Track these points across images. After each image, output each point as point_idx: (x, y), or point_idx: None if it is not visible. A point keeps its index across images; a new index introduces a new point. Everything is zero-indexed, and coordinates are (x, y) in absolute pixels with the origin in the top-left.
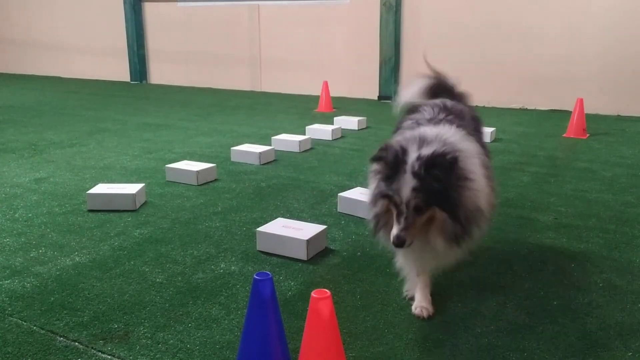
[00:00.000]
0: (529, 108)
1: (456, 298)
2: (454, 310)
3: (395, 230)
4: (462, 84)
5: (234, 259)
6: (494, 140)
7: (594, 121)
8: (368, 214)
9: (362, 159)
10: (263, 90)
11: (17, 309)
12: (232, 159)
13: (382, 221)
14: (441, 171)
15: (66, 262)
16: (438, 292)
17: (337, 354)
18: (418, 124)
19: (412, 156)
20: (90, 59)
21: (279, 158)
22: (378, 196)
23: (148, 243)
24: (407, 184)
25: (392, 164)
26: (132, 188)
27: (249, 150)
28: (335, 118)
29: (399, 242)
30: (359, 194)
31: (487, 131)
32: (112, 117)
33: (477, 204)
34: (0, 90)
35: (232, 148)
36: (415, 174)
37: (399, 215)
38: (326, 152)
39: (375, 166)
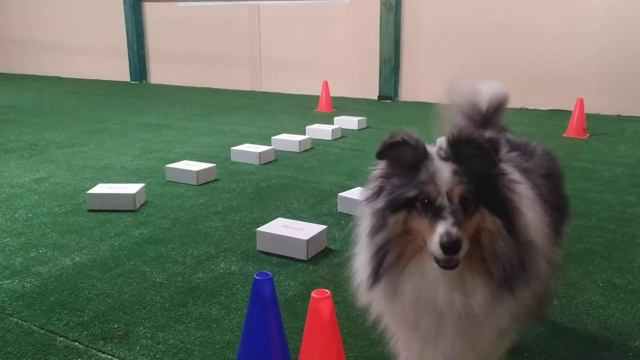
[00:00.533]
0: (529, 108)
1: None
2: None
3: (442, 227)
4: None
5: (234, 259)
6: None
7: (594, 121)
8: (364, 248)
9: (362, 159)
10: (263, 90)
11: (17, 309)
12: (232, 159)
13: (394, 251)
14: (478, 149)
15: (66, 262)
16: None
17: (337, 354)
18: None
19: (432, 149)
20: (90, 59)
21: (279, 158)
22: (391, 207)
23: (148, 243)
24: (442, 170)
25: (418, 148)
26: (132, 188)
27: (249, 150)
28: (335, 118)
29: (453, 242)
30: (359, 194)
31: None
32: (112, 117)
33: (532, 221)
34: (0, 90)
35: (232, 148)
36: (446, 159)
37: (438, 212)
38: (326, 152)
39: (379, 170)
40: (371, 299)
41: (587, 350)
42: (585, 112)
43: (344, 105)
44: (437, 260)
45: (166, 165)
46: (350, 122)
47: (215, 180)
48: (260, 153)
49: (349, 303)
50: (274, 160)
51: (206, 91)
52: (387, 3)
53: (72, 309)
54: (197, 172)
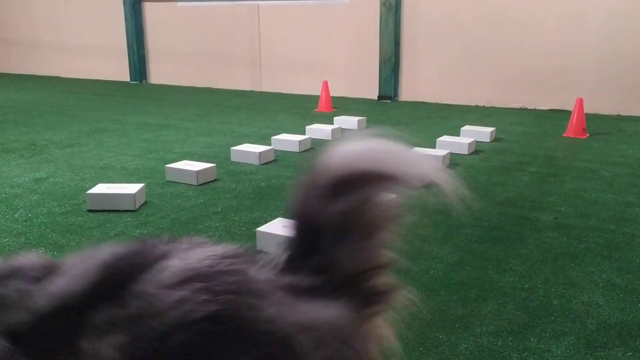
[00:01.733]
0: (529, 108)
1: (456, 298)
2: (454, 310)
3: None
4: (463, 84)
5: None
6: (494, 140)
7: (593, 121)
8: None
9: None
10: (263, 90)
11: None
12: (232, 159)
13: None
14: None
15: None
16: (438, 292)
17: None
18: None
19: None
20: (90, 59)
21: (279, 158)
22: None
23: None
24: None
25: None
26: (132, 188)
27: (249, 150)
28: (335, 118)
29: None
30: None
31: (487, 131)
32: (112, 117)
33: None
34: (0, 90)
35: (232, 148)
36: None
37: None
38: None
39: None
40: None
41: (586, 350)
42: (585, 111)
43: (343, 105)
44: None
45: (166, 165)
46: (350, 122)
47: (215, 180)
48: (260, 153)
49: None
50: (274, 160)
51: (206, 91)
52: (386, 3)
53: None
54: (197, 172)
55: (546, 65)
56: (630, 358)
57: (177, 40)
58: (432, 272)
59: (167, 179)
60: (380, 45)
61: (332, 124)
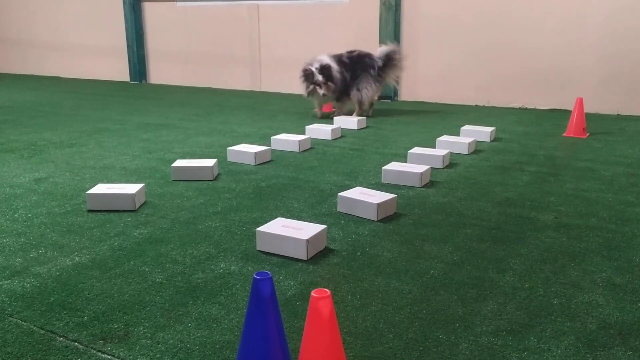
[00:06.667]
0: (529, 107)
1: (456, 298)
2: (454, 310)
3: None
4: (463, 84)
5: (233, 258)
6: (494, 140)
7: (593, 120)
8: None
9: (362, 159)
10: (263, 90)
11: (17, 309)
12: (228, 159)
13: None
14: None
15: (66, 262)
16: (438, 292)
17: (337, 353)
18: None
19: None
20: (90, 59)
21: (279, 158)
22: None
23: (148, 243)
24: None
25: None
26: (132, 188)
27: (245, 150)
28: (334, 118)
29: None
30: (359, 194)
31: (487, 130)
32: (111, 117)
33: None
34: (0, 90)
35: (228, 148)
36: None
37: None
38: (326, 152)
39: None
40: None
41: (586, 350)
42: (585, 111)
43: None
44: None
45: (172, 165)
46: (349, 122)
47: (216, 179)
48: (255, 153)
49: (348, 302)
50: (271, 160)
51: (206, 91)
52: (386, 3)
53: (72, 309)
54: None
55: (546, 65)
56: (630, 358)
57: (177, 40)
58: (432, 272)
59: (173, 178)
60: (380, 44)
61: (332, 123)
